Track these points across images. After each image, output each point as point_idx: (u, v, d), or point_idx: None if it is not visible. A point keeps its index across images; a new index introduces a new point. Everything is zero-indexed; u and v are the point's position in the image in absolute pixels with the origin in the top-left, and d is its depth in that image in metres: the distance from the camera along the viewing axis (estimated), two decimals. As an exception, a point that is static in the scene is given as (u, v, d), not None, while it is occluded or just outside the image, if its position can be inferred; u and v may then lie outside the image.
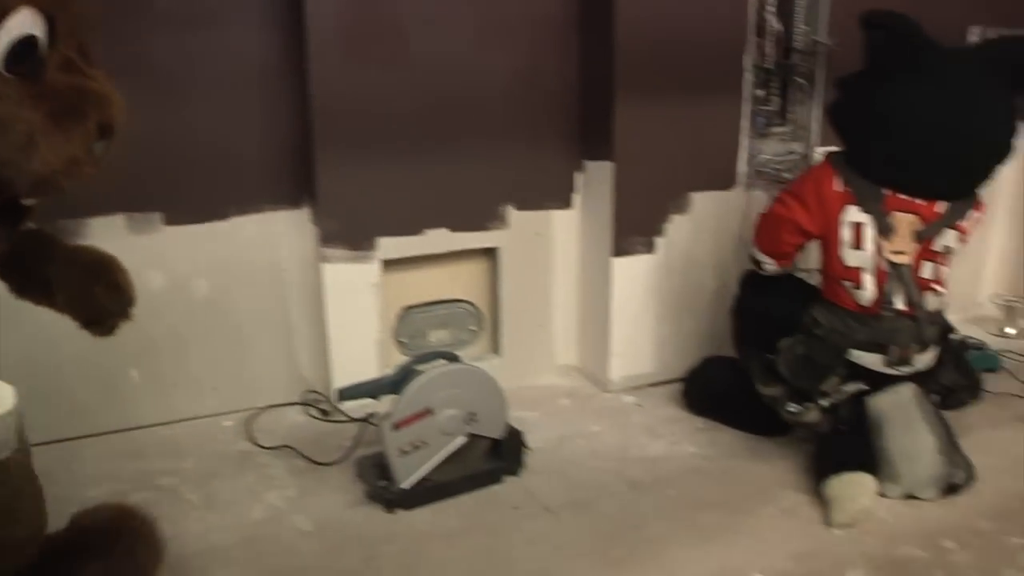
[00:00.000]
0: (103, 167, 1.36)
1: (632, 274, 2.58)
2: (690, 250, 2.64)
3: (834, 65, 2.61)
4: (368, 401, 2.10)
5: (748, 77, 2.59)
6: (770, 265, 2.26)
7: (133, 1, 2.08)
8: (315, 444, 2.24)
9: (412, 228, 2.43)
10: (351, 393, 2.06)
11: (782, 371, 2.12)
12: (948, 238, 2.06)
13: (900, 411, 2.06)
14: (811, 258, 2.30)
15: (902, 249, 2.04)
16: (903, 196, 2.03)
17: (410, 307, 2.57)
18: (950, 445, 2.05)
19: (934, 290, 2.09)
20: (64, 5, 1.29)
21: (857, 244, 2.04)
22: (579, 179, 2.64)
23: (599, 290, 2.63)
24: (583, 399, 2.61)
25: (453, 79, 2.37)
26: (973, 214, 2.10)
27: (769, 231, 2.23)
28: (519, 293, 2.66)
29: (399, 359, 2.15)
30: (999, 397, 2.54)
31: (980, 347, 2.86)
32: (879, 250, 2.03)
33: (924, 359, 2.11)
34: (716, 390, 2.44)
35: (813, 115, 2.74)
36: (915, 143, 2.02)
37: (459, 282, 2.63)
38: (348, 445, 2.18)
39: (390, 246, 2.40)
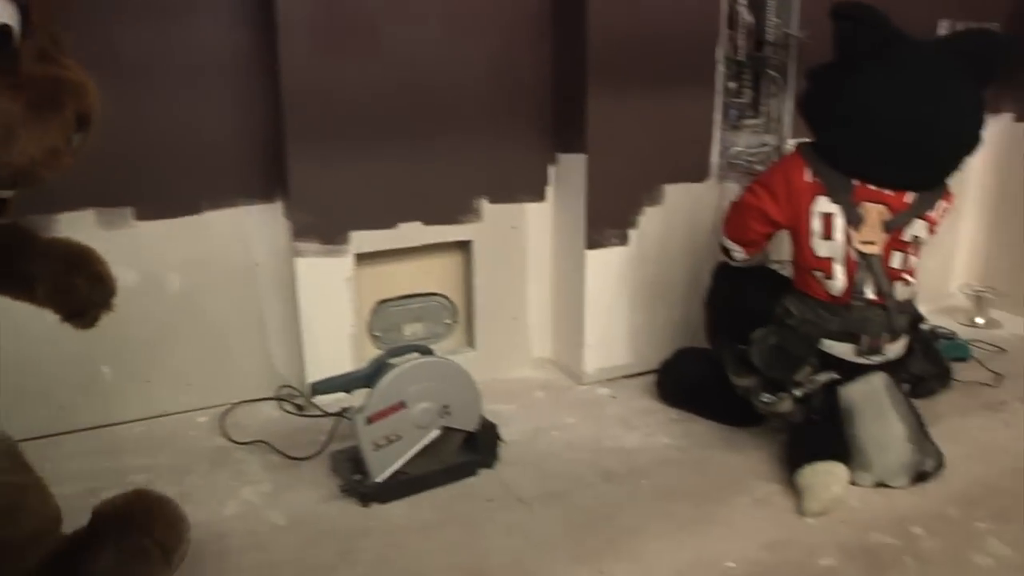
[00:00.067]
0: (80, 158, 1.35)
1: (606, 266, 2.58)
2: (663, 242, 2.65)
3: (806, 57, 2.62)
4: (343, 395, 2.10)
5: (720, 69, 2.60)
6: (738, 253, 2.27)
7: (102, -8, 2.06)
8: (290, 439, 2.23)
9: (385, 222, 2.42)
10: (324, 387, 2.06)
11: (755, 361, 2.13)
12: (917, 228, 2.08)
13: (871, 400, 2.08)
14: (783, 250, 2.31)
15: (872, 239, 2.05)
16: (872, 186, 2.05)
17: (384, 301, 2.56)
18: (920, 433, 2.07)
19: (904, 280, 2.11)
20: None
21: (827, 234, 2.06)
22: (552, 172, 2.64)
23: (573, 283, 2.63)
24: (558, 391, 2.62)
25: (425, 72, 2.36)
26: (942, 204, 2.12)
27: (737, 219, 2.25)
28: (493, 286, 2.66)
29: (374, 353, 2.14)
30: (968, 386, 2.58)
31: (951, 337, 2.89)
32: (849, 240, 2.05)
33: (894, 348, 2.13)
34: (690, 381, 2.46)
35: (785, 107, 2.75)
36: (883, 134, 2.04)
37: (433, 276, 2.63)
38: (323, 439, 2.17)
39: (363, 240, 2.40)
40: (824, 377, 2.09)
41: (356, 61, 2.27)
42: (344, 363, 2.37)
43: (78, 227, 2.12)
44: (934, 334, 2.33)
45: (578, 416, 2.43)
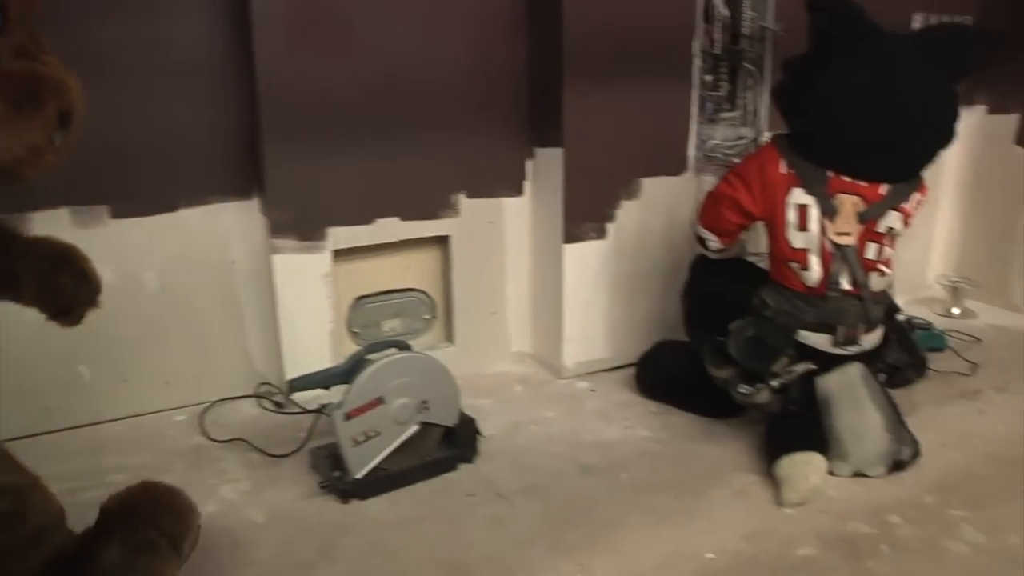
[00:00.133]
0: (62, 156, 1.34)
1: (584, 260, 2.59)
2: (641, 235, 2.66)
3: (782, 50, 2.63)
4: (321, 392, 2.09)
5: (696, 63, 2.61)
6: (713, 242, 2.29)
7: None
8: (269, 436, 2.22)
9: (363, 217, 2.42)
10: (301, 384, 2.05)
11: (733, 353, 2.14)
12: (891, 220, 2.09)
13: (848, 390, 2.09)
14: (761, 242, 2.32)
15: (846, 230, 2.06)
16: (846, 178, 2.06)
17: (362, 297, 2.56)
18: (896, 423, 2.09)
19: (879, 271, 2.12)
20: None
21: (802, 226, 2.07)
22: (530, 166, 2.64)
23: (551, 277, 2.63)
24: (537, 386, 2.62)
25: (402, 67, 2.36)
26: (916, 196, 2.13)
27: (713, 209, 2.26)
28: (472, 281, 2.66)
29: (353, 350, 2.14)
30: (944, 375, 2.61)
31: (927, 327, 2.92)
32: (824, 231, 2.06)
33: (870, 339, 2.14)
34: (668, 374, 2.47)
35: (762, 100, 2.77)
36: (857, 126, 2.05)
37: (411, 271, 2.62)
38: (302, 437, 2.17)
39: (341, 236, 2.39)
40: (801, 368, 2.10)
41: (331, 56, 2.26)
42: (323, 360, 2.37)
43: (53, 226, 2.09)
44: (911, 324, 2.35)
45: (557, 410, 2.44)
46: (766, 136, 2.72)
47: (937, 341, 2.84)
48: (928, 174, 2.18)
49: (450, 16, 2.40)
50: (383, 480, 1.97)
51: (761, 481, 2.03)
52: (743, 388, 2.13)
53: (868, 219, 2.07)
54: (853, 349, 2.11)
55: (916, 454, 2.08)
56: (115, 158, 2.15)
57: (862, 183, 2.06)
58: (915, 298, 3.35)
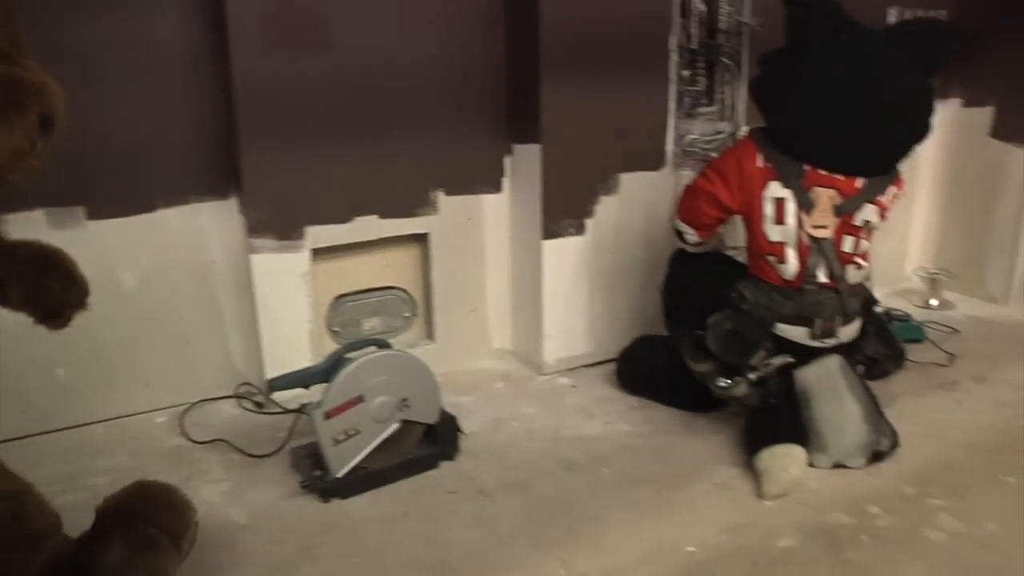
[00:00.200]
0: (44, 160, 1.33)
1: (563, 256, 2.59)
2: (620, 231, 2.66)
3: (759, 45, 2.63)
4: (302, 392, 2.08)
5: (674, 58, 2.61)
6: (691, 236, 2.30)
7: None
8: (249, 437, 2.21)
9: (341, 216, 2.41)
10: (281, 384, 2.05)
11: (711, 347, 2.15)
12: (868, 213, 2.10)
13: (826, 382, 2.11)
14: (739, 236, 2.33)
15: (823, 223, 2.07)
16: (823, 171, 2.07)
17: (342, 296, 2.55)
18: (875, 414, 2.11)
19: (856, 263, 2.13)
20: None
21: (779, 219, 2.08)
22: (508, 162, 2.64)
23: (530, 273, 2.64)
24: (518, 382, 2.62)
25: (378, 64, 2.35)
26: (892, 190, 2.15)
27: (691, 202, 2.27)
28: (451, 278, 2.66)
29: (333, 349, 2.13)
30: (922, 366, 2.63)
31: (905, 319, 2.94)
32: (801, 224, 2.07)
33: (848, 331, 2.15)
34: (648, 368, 2.47)
35: (739, 95, 2.78)
36: (833, 120, 2.06)
37: (391, 269, 2.62)
38: (283, 436, 2.16)
39: (319, 235, 2.39)
40: (779, 361, 2.11)
41: (308, 54, 2.25)
42: (303, 359, 2.36)
43: (28, 228, 2.07)
44: (889, 316, 2.36)
45: (538, 406, 2.44)
46: (744, 130, 2.73)
47: (915, 332, 2.86)
48: (904, 167, 2.20)
49: (427, 13, 2.39)
50: (364, 479, 1.96)
51: (742, 474, 2.03)
52: (722, 381, 2.14)
53: (844, 212, 2.08)
54: (831, 342, 2.12)
55: (895, 445, 2.10)
56: (91, 159, 2.12)
57: (838, 176, 2.07)
58: (893, 290, 3.38)
